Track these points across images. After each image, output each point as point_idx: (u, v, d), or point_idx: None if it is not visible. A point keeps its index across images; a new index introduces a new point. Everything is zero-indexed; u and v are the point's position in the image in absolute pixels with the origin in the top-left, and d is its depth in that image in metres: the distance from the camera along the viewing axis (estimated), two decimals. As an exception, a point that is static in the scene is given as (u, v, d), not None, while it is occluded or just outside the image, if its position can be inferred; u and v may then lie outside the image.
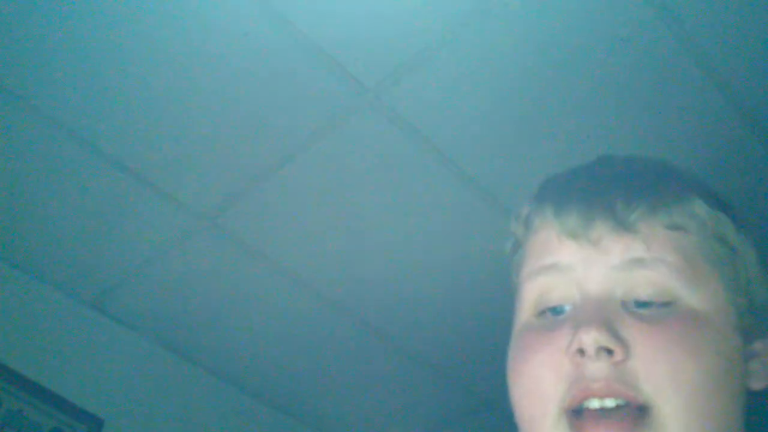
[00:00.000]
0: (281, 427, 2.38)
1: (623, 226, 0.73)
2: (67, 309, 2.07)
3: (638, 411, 0.67)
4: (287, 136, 1.72)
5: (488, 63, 1.58)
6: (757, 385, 0.75)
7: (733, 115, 1.65)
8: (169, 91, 1.65)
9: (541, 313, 0.75)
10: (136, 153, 1.76)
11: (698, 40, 1.53)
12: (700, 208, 0.75)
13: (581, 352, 0.68)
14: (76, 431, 2.01)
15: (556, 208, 0.76)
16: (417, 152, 1.73)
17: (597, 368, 0.68)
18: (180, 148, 1.75)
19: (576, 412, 0.69)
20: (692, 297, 0.71)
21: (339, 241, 1.92)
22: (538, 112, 1.66)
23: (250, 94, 1.64)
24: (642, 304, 0.71)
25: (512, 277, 0.83)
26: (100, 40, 1.56)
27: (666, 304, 0.71)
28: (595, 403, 0.68)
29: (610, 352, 0.68)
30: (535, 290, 0.76)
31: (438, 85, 1.61)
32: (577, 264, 0.74)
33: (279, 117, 1.68)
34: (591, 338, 0.68)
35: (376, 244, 1.93)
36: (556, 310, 0.74)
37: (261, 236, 1.93)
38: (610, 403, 0.67)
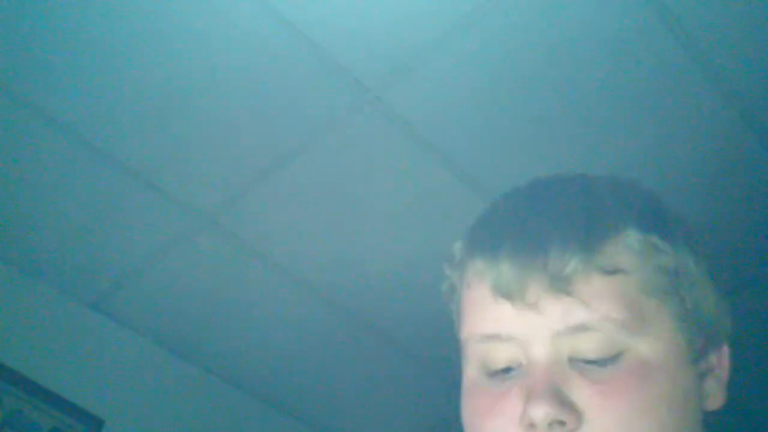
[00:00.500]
0: (281, 427, 2.38)
1: (559, 285, 0.69)
2: (67, 309, 2.07)
3: None
4: (287, 136, 1.72)
5: (488, 63, 1.58)
6: (713, 405, 0.74)
7: (733, 116, 1.65)
8: (169, 91, 1.65)
9: (489, 374, 0.73)
10: (136, 153, 1.76)
11: (698, 40, 1.53)
12: (633, 239, 0.71)
13: (533, 426, 0.67)
14: (76, 431, 2.01)
15: (486, 262, 0.73)
16: (417, 152, 1.73)
17: None
18: (180, 148, 1.75)
19: None
20: (641, 344, 0.69)
21: (339, 240, 1.92)
22: (537, 113, 1.66)
23: (250, 94, 1.64)
24: (590, 362, 0.69)
25: (454, 321, 0.81)
26: (100, 40, 1.56)
27: (615, 357, 0.69)
28: None
29: (562, 423, 0.66)
30: (478, 354, 0.74)
31: (438, 85, 1.61)
32: (518, 330, 0.71)
33: (279, 117, 1.68)
34: (542, 413, 0.66)
35: (376, 243, 1.93)
36: (504, 371, 0.72)
37: (261, 236, 1.93)
38: None
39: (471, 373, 0.75)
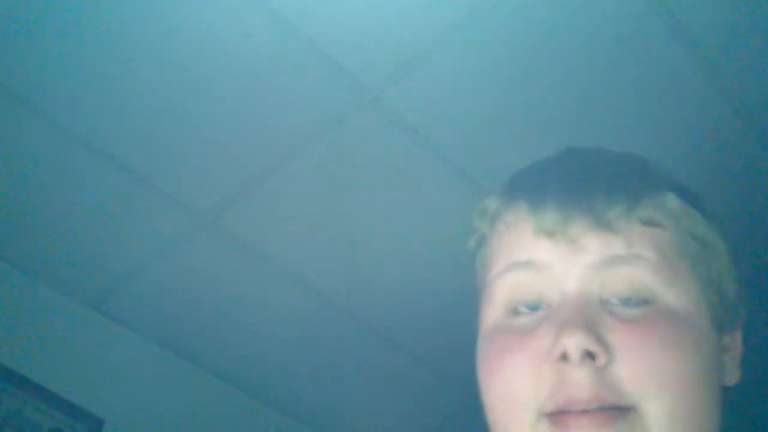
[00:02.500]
0: (281, 427, 2.38)
1: (602, 223, 0.70)
2: (67, 309, 2.07)
3: (622, 412, 0.66)
4: (287, 136, 1.72)
5: (488, 63, 1.58)
6: (729, 380, 0.75)
7: (732, 116, 1.65)
8: (169, 91, 1.65)
9: (514, 312, 0.72)
10: (136, 153, 1.76)
11: (698, 40, 1.53)
12: (673, 202, 0.74)
13: (564, 357, 0.66)
14: (76, 431, 2.01)
15: (531, 204, 0.73)
16: (417, 152, 1.74)
17: (580, 374, 0.66)
18: (180, 148, 1.75)
19: (555, 417, 0.67)
20: (671, 295, 0.70)
21: (339, 241, 1.92)
22: (537, 112, 1.66)
23: (250, 94, 1.64)
24: (621, 303, 0.69)
25: (477, 275, 0.80)
26: (100, 41, 1.56)
27: (645, 303, 0.69)
28: (578, 408, 0.66)
29: (593, 356, 0.66)
30: (507, 288, 0.73)
31: (438, 85, 1.62)
32: (554, 262, 0.71)
33: (279, 117, 1.68)
34: (576, 342, 0.65)
35: (376, 243, 1.93)
36: (531, 308, 0.71)
37: (261, 236, 1.93)
38: (593, 407, 0.66)
39: (494, 314, 0.74)
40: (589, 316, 0.67)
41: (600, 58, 1.56)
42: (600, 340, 0.66)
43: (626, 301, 0.69)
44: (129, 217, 1.89)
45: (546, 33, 1.53)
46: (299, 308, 2.09)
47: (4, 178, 1.83)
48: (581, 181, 0.73)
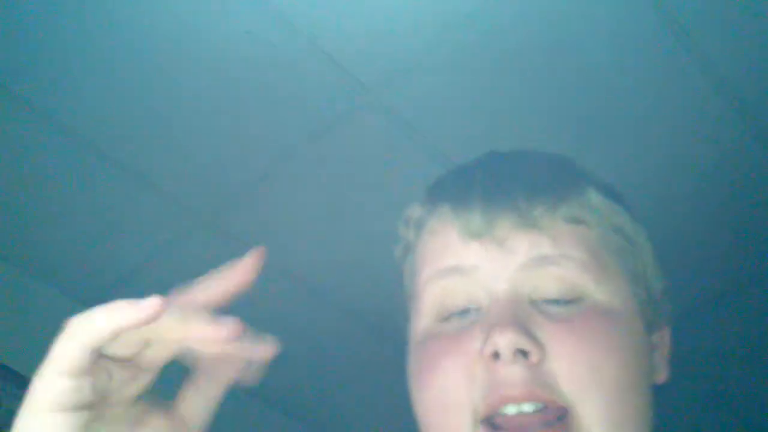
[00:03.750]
0: (282, 428, 2.38)
1: (527, 222, 0.69)
2: (67, 309, 2.07)
3: (558, 413, 0.64)
4: (287, 136, 1.72)
5: (488, 64, 1.58)
6: (659, 378, 0.74)
7: (732, 115, 1.65)
8: (169, 90, 1.65)
9: (443, 318, 0.71)
10: (136, 153, 1.76)
11: (698, 40, 1.53)
12: (595, 199, 0.73)
13: (496, 355, 0.64)
14: (76, 431, 2.00)
15: (455, 207, 0.72)
16: (417, 152, 1.74)
17: (513, 372, 0.64)
18: (180, 148, 1.75)
19: (491, 423, 0.65)
20: (600, 292, 0.69)
21: (338, 240, 1.92)
22: (538, 113, 1.66)
23: (249, 93, 1.64)
24: (551, 302, 0.68)
25: (405, 284, 0.79)
26: (100, 40, 1.56)
27: (575, 301, 0.68)
28: (512, 409, 0.64)
29: (525, 354, 0.64)
30: (436, 294, 0.71)
31: (438, 85, 1.62)
32: (481, 265, 0.69)
33: (279, 117, 1.68)
34: (507, 340, 0.64)
35: (376, 243, 1.93)
36: (461, 314, 0.70)
37: (261, 236, 1.93)
38: (528, 407, 0.64)
39: (424, 322, 0.72)
40: (520, 314, 0.66)
41: (600, 58, 1.56)
42: (532, 337, 0.65)
43: (556, 302, 0.68)
44: (129, 217, 1.89)
45: (546, 33, 1.53)
46: (299, 308, 2.09)
47: (3, 178, 1.83)
48: (504, 182, 0.72)
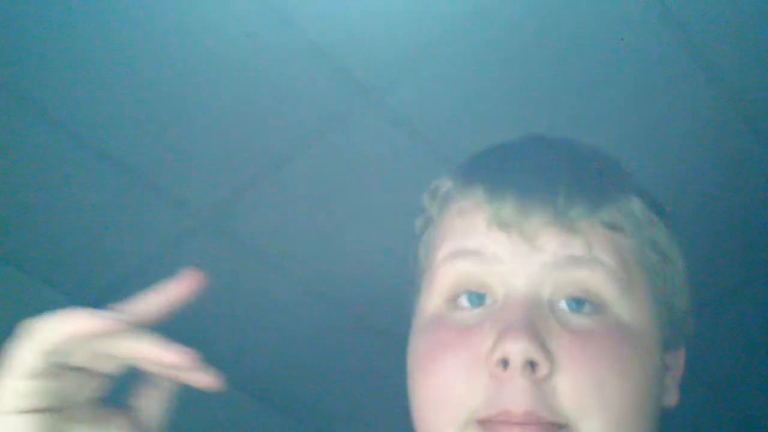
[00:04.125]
0: (282, 428, 2.38)
1: (562, 221, 0.65)
2: (67, 309, 2.07)
3: (556, 427, 0.61)
4: (287, 136, 1.72)
5: (489, 63, 1.58)
6: (669, 401, 0.70)
7: (733, 116, 1.65)
8: (169, 90, 1.65)
9: (454, 303, 0.67)
10: (136, 152, 1.76)
11: (698, 39, 1.53)
12: (637, 208, 0.69)
13: (504, 362, 0.61)
14: (76, 431, 2.00)
15: (488, 191, 0.67)
16: (417, 152, 1.73)
17: (518, 387, 0.60)
18: (180, 148, 1.75)
19: (485, 425, 0.62)
20: (624, 306, 0.65)
21: (339, 241, 1.92)
22: (539, 113, 1.66)
23: (250, 93, 1.64)
24: (571, 308, 0.64)
25: (418, 259, 0.75)
26: (100, 40, 1.56)
27: (596, 311, 0.64)
28: (511, 421, 0.61)
29: (533, 365, 0.60)
30: (451, 275, 0.67)
31: (439, 85, 1.61)
32: (505, 256, 0.65)
33: (279, 117, 1.68)
34: (519, 349, 0.60)
35: (377, 244, 1.93)
36: (473, 301, 0.66)
37: (260, 236, 1.93)
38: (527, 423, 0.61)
39: (433, 303, 0.68)
40: (535, 320, 0.62)
41: (600, 58, 1.56)
42: (544, 348, 0.61)
43: (577, 306, 0.64)
44: (129, 217, 1.89)
45: (546, 33, 1.53)
46: (299, 308, 2.09)
47: (3, 177, 1.83)
48: (544, 173, 0.68)
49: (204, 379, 0.62)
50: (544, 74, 1.59)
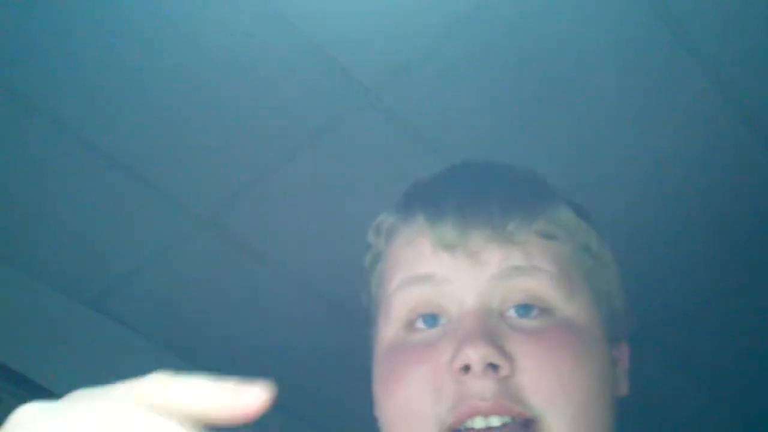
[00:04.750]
0: (282, 428, 2.38)
1: (501, 235, 0.70)
2: (67, 309, 2.07)
3: (524, 426, 0.64)
4: (287, 136, 1.72)
5: (488, 63, 1.58)
6: (620, 391, 0.74)
7: (733, 116, 1.65)
8: (169, 90, 1.65)
9: (411, 327, 0.71)
10: (135, 153, 1.76)
11: (699, 40, 1.53)
12: (567, 216, 0.74)
13: (466, 368, 0.64)
14: (76, 431, 2.00)
15: (429, 217, 0.72)
16: (417, 152, 1.73)
17: (483, 386, 0.64)
18: (180, 148, 1.75)
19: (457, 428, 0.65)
20: (568, 307, 0.70)
21: (338, 240, 1.92)
22: (538, 113, 1.66)
23: (250, 93, 1.64)
24: (519, 314, 0.69)
25: (371, 292, 0.78)
26: (101, 40, 1.56)
27: (543, 314, 0.69)
28: (479, 422, 0.64)
29: (495, 367, 0.65)
30: (406, 302, 0.71)
31: (438, 85, 1.61)
32: (453, 276, 0.70)
33: (279, 117, 1.68)
34: (478, 353, 0.64)
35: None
36: (428, 322, 0.70)
37: (261, 236, 1.93)
38: (495, 421, 0.64)
39: (391, 331, 0.72)
40: (490, 327, 0.67)
41: (600, 58, 1.56)
42: (501, 350, 0.65)
43: (525, 312, 0.69)
44: (129, 217, 1.89)
45: (545, 33, 1.53)
46: (299, 308, 2.09)
47: (4, 178, 1.83)
48: (478, 194, 0.73)
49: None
50: (543, 74, 1.59)
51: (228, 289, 2.05)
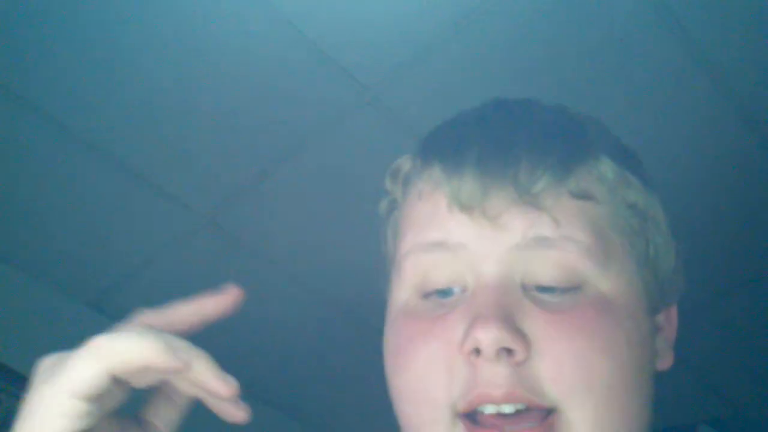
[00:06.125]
0: (282, 428, 2.38)
1: (527, 198, 0.61)
2: (67, 309, 2.07)
3: (542, 414, 0.58)
4: (287, 136, 1.72)
5: (488, 62, 1.58)
6: (662, 365, 0.67)
7: (733, 116, 1.65)
8: (169, 90, 1.65)
9: (425, 294, 0.64)
10: (136, 153, 1.76)
11: (698, 39, 1.53)
12: (608, 168, 0.65)
13: (477, 351, 0.58)
14: (76, 431, 2.00)
15: (446, 171, 0.64)
16: (417, 152, 1.73)
17: (495, 372, 0.58)
18: (180, 148, 1.75)
19: (471, 417, 0.59)
20: (602, 279, 0.61)
21: (338, 240, 1.92)
22: (538, 112, 1.66)
23: (250, 93, 1.64)
24: (546, 289, 0.61)
25: (387, 243, 0.72)
26: (101, 40, 1.56)
27: (573, 289, 0.61)
28: (490, 409, 0.58)
29: (510, 351, 0.58)
30: (417, 269, 0.64)
31: (438, 84, 1.61)
32: (470, 242, 0.62)
33: (279, 117, 1.68)
34: (490, 337, 0.57)
35: (376, 243, 1.93)
36: (443, 293, 0.63)
37: (260, 236, 1.93)
38: (508, 408, 0.58)
39: (403, 296, 0.66)
40: (507, 304, 0.59)
41: (599, 58, 1.56)
42: (518, 333, 0.58)
43: (551, 289, 0.61)
44: (129, 217, 1.89)
45: (546, 33, 1.53)
46: (299, 308, 2.09)
47: (4, 178, 1.83)
48: (504, 145, 0.63)
49: (235, 412, 0.62)
50: (543, 74, 1.59)
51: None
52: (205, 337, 2.27)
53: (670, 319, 0.69)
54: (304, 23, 1.53)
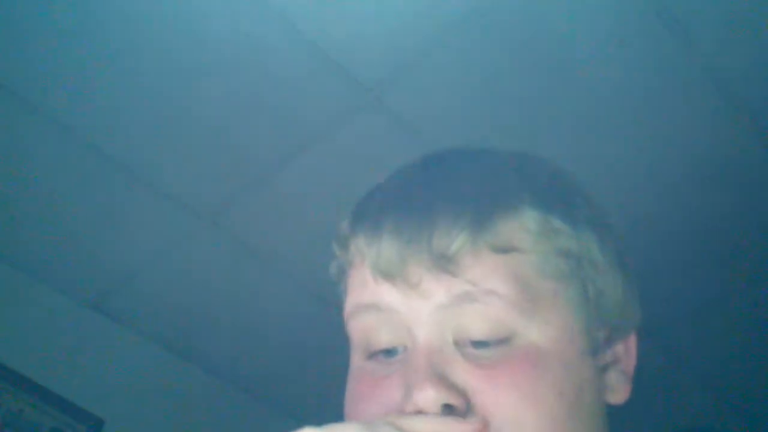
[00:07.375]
0: (282, 428, 2.38)
1: (442, 263, 0.62)
2: (67, 309, 2.07)
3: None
4: (287, 136, 1.72)
5: (487, 63, 1.58)
6: (616, 398, 0.68)
7: (733, 115, 1.65)
8: (170, 91, 1.65)
9: (371, 356, 0.67)
10: (136, 153, 1.76)
11: (698, 40, 1.53)
12: (530, 220, 0.65)
13: (419, 413, 0.60)
14: (76, 431, 2.01)
15: (367, 239, 0.66)
16: (417, 152, 1.73)
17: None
18: (180, 148, 1.75)
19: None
20: (531, 329, 0.62)
21: (339, 241, 1.92)
22: (537, 111, 1.66)
23: (250, 94, 1.64)
24: (479, 344, 0.62)
25: (343, 304, 0.73)
26: (102, 41, 1.56)
27: (504, 341, 0.62)
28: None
29: (450, 407, 0.60)
30: (359, 331, 0.68)
31: (438, 85, 1.61)
32: (399, 306, 0.64)
33: (279, 117, 1.68)
34: (430, 398, 0.60)
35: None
36: (388, 352, 0.66)
37: (261, 236, 1.93)
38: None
39: (354, 356, 0.69)
40: (439, 363, 0.62)
41: (599, 58, 1.56)
42: (453, 389, 0.61)
43: (483, 342, 0.62)
44: (129, 218, 1.89)
45: (546, 33, 1.53)
46: (298, 308, 2.09)
47: (4, 178, 1.83)
48: (421, 209, 0.65)
49: None
50: (543, 74, 1.59)
51: (228, 289, 2.05)
52: (206, 337, 2.27)
53: (628, 350, 0.70)
54: (306, 24, 1.53)
